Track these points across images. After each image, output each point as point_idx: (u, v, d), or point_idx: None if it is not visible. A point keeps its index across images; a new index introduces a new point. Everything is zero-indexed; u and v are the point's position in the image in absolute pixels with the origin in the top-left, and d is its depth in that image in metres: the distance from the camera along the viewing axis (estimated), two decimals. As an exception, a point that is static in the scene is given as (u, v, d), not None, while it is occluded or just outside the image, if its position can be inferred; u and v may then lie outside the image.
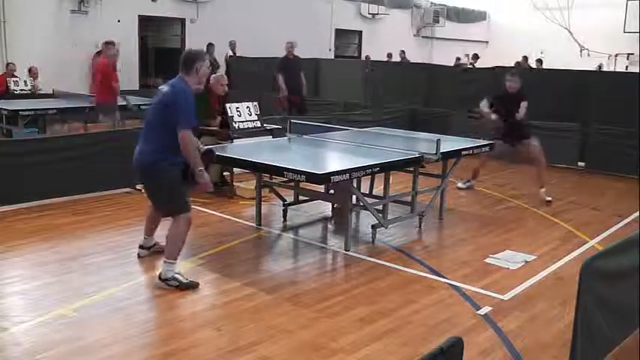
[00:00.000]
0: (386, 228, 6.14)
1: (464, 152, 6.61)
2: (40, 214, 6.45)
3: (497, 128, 7.93)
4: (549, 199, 7.81)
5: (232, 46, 16.84)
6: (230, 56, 16.71)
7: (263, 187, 6.46)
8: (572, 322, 3.24)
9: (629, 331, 3.83)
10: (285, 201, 6.67)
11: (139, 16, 15.73)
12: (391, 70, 14.76)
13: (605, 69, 20.04)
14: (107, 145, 7.42)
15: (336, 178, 5.12)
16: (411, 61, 17.90)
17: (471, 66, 17.67)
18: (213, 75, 8.17)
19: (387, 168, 5.83)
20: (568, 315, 4.03)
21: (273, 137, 7.58)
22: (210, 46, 16.33)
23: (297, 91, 11.73)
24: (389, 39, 21.81)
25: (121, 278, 4.82)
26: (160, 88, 4.85)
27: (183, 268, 5.12)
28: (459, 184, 8.35)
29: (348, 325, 4.16)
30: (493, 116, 7.83)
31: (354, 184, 5.98)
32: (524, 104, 7.70)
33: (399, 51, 19.39)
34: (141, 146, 4.77)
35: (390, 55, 19.25)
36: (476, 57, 18.56)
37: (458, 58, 19.92)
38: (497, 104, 7.92)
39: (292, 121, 7.14)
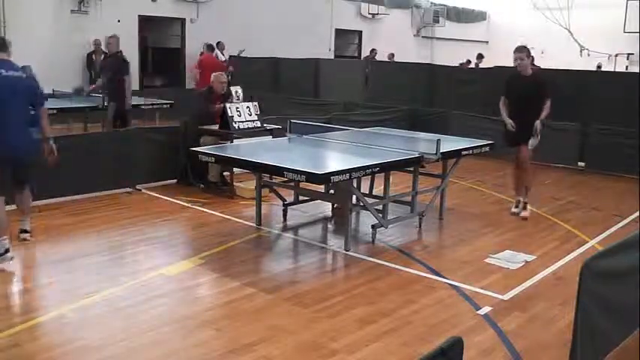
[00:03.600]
0: (386, 228, 6.14)
1: (464, 152, 6.61)
2: (40, 214, 6.44)
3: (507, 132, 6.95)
4: (526, 214, 6.97)
5: (221, 48, 16.58)
6: (223, 60, 16.40)
7: (263, 187, 6.46)
8: (572, 322, 3.25)
9: (629, 331, 3.82)
10: (285, 201, 6.67)
11: (139, 16, 15.71)
12: (391, 70, 14.74)
13: (604, 69, 20.02)
14: (107, 145, 7.43)
15: (336, 178, 5.12)
16: (411, 61, 17.87)
17: (475, 66, 17.63)
18: (214, 74, 8.22)
19: (387, 168, 5.83)
20: (568, 315, 4.03)
21: (273, 137, 7.58)
22: (209, 46, 16.32)
23: (114, 97, 9.48)
24: (389, 39, 21.81)
25: (121, 278, 4.82)
26: None
27: (183, 267, 5.13)
28: (513, 209, 7.13)
29: (348, 325, 4.16)
30: (506, 119, 6.87)
31: (354, 184, 5.98)
32: (547, 105, 6.70)
33: (388, 53, 19.41)
34: None
35: (392, 55, 19.24)
36: (480, 57, 18.51)
37: (468, 61, 19.83)
38: (508, 91, 6.96)
39: (292, 121, 7.15)
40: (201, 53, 15.08)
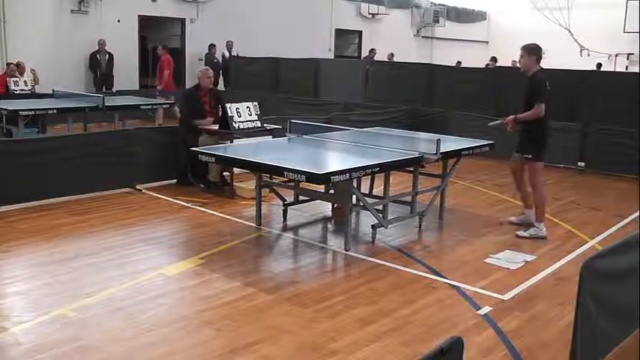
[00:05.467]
0: (386, 228, 6.14)
1: (464, 152, 6.61)
2: (40, 214, 6.45)
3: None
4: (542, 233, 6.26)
5: (229, 47, 16.84)
6: (228, 58, 16.71)
7: (263, 187, 6.46)
8: (572, 322, 3.25)
9: (629, 331, 3.83)
10: (285, 201, 6.67)
11: (139, 16, 15.73)
12: (391, 70, 14.75)
13: (604, 69, 20.03)
14: (107, 145, 7.43)
15: (336, 178, 5.12)
16: (411, 61, 17.88)
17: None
18: (200, 69, 8.27)
19: (387, 168, 5.82)
20: (568, 315, 4.03)
21: (273, 137, 7.58)
22: (212, 46, 16.43)
23: None
24: (389, 39, 21.81)
25: (121, 278, 4.82)
26: None
27: (183, 267, 5.13)
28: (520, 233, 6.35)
29: (348, 325, 4.16)
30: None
31: (354, 184, 5.98)
32: (537, 106, 6.08)
33: (388, 53, 19.47)
34: None
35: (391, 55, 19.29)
36: (494, 60, 18.75)
37: (459, 63, 19.91)
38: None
39: (292, 121, 7.15)
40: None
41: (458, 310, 4.51)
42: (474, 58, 21.10)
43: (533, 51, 6.32)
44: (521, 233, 6.31)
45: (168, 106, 11.77)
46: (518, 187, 6.71)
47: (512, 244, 6.03)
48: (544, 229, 6.30)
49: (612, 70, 21.36)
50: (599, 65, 19.92)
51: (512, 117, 6.33)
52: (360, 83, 14.40)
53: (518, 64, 6.61)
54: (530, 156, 6.28)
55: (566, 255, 5.80)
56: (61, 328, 4.00)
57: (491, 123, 6.90)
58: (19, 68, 12.29)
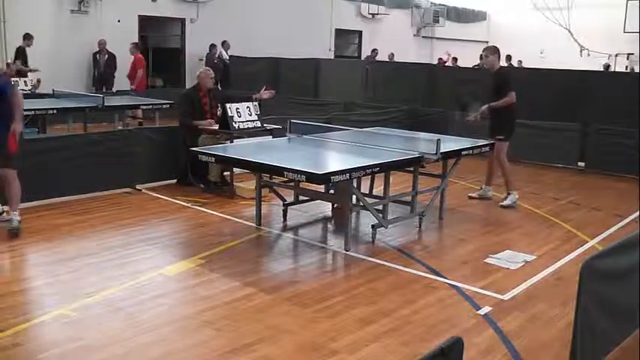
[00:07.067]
0: (386, 228, 6.14)
1: (464, 152, 6.61)
2: (40, 214, 6.45)
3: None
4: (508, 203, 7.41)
5: (226, 47, 16.77)
6: (227, 58, 16.67)
7: (263, 187, 6.46)
8: (572, 322, 3.25)
9: (629, 331, 3.83)
10: (285, 201, 6.67)
11: (139, 16, 15.73)
12: (391, 70, 14.75)
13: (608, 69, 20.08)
14: (107, 145, 7.43)
15: (336, 178, 5.12)
16: (411, 61, 17.89)
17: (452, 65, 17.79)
18: (201, 70, 8.27)
19: (387, 168, 5.83)
20: (568, 315, 4.03)
21: (273, 137, 7.58)
22: (212, 46, 16.42)
23: None
24: (389, 39, 21.82)
25: (121, 278, 4.82)
26: None
27: (183, 267, 5.13)
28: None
29: (348, 325, 4.16)
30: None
31: (354, 184, 5.98)
32: (509, 94, 7.24)
33: (389, 53, 19.49)
34: None
35: (392, 55, 19.31)
36: (455, 59, 18.75)
37: (440, 59, 19.99)
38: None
39: (292, 121, 7.15)
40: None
41: (458, 310, 4.52)
42: (474, 59, 21.10)
43: (495, 50, 7.67)
44: (505, 203, 7.45)
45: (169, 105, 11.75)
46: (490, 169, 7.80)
47: (512, 244, 6.03)
48: (517, 195, 7.53)
49: (612, 70, 21.37)
50: (607, 66, 19.84)
51: (485, 106, 7.42)
52: (360, 83, 14.40)
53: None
54: (502, 137, 7.40)
55: (566, 255, 5.80)
56: (61, 328, 4.00)
57: (470, 117, 7.70)
58: (9, 69, 12.25)
